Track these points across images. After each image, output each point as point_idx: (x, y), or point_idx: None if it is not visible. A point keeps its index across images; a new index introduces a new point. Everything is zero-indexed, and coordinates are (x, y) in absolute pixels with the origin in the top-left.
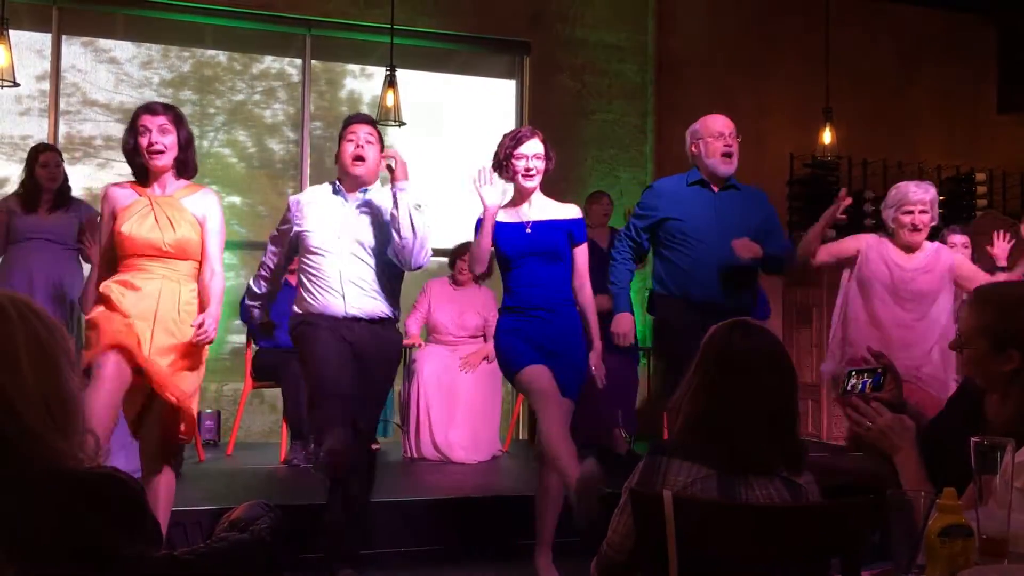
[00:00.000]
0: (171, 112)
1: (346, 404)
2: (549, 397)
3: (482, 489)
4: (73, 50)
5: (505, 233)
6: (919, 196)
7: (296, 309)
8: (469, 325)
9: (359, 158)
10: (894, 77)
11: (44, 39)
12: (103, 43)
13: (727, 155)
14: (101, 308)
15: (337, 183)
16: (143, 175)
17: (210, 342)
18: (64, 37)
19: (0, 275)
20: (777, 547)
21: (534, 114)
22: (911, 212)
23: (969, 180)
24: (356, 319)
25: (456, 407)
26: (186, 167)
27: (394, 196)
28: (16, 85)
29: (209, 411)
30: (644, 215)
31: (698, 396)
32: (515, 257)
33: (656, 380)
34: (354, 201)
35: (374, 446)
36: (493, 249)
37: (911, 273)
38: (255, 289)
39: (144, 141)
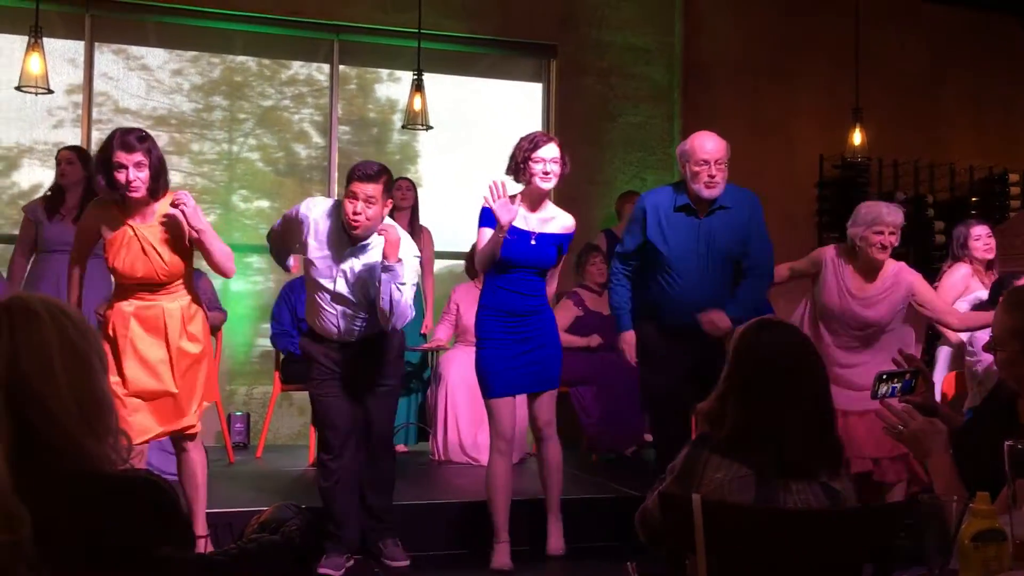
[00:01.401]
0: (144, 144)
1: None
2: (504, 438)
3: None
4: (105, 58)
5: (510, 239)
6: (892, 218)
7: (306, 318)
8: None
9: (355, 223)
10: (925, 77)
11: (77, 47)
12: (135, 50)
13: (711, 183)
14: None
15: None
16: (120, 197)
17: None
18: (96, 45)
19: (28, 283)
20: (809, 552)
21: (561, 117)
22: (882, 232)
23: (1002, 180)
24: (347, 343)
25: (484, 409)
26: (158, 190)
27: (381, 271)
28: (50, 92)
29: (239, 413)
30: (636, 230)
31: (741, 400)
32: (513, 264)
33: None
34: (357, 241)
35: (400, 448)
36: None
37: (865, 302)
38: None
39: (121, 178)
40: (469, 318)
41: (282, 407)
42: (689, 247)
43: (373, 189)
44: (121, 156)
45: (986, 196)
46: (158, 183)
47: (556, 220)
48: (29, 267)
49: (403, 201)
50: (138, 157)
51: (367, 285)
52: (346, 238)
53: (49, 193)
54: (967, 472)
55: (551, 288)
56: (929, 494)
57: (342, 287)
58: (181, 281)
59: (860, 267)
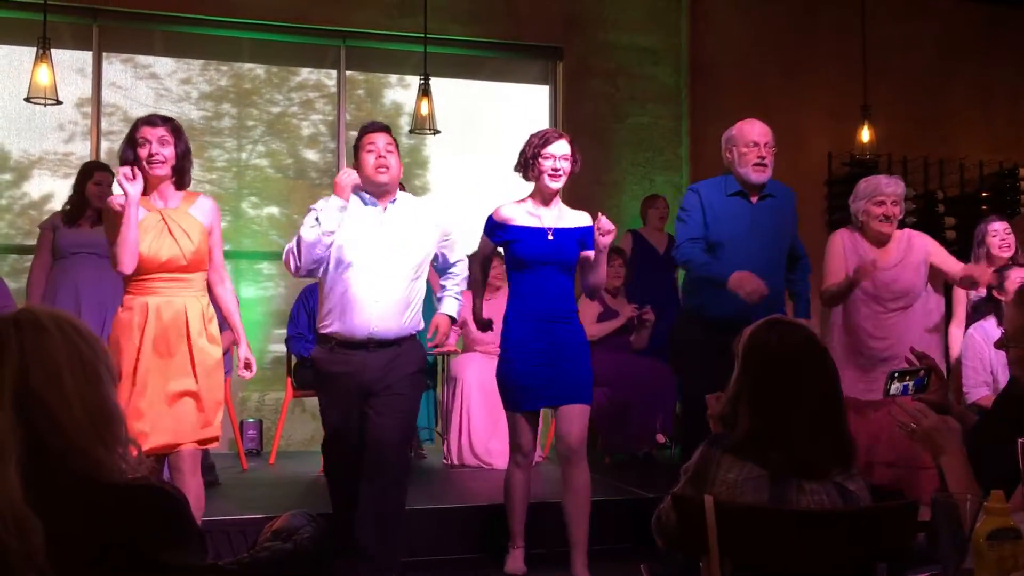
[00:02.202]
0: (170, 124)
1: (350, 480)
2: (521, 453)
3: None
4: (113, 67)
5: (525, 237)
6: (892, 188)
7: (318, 327)
8: None
9: (383, 166)
10: (933, 72)
11: (85, 57)
12: (143, 59)
13: (760, 165)
14: (130, 378)
15: (365, 195)
16: (143, 185)
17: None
18: (104, 55)
19: (47, 291)
20: (822, 552)
21: (568, 119)
22: (883, 203)
23: (1013, 175)
24: (377, 342)
25: (498, 414)
26: (183, 178)
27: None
28: (59, 103)
29: (251, 420)
30: (696, 214)
31: (753, 401)
32: (532, 262)
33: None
34: (388, 212)
35: (421, 452)
36: (505, 254)
37: (891, 272)
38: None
39: (144, 152)
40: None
41: (294, 413)
42: (744, 231)
43: (387, 139)
44: (145, 131)
45: (997, 191)
46: (183, 167)
47: (572, 216)
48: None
49: None
50: (161, 132)
51: (407, 244)
52: (371, 208)
53: (68, 207)
54: (981, 470)
55: (598, 278)
56: (943, 492)
57: (382, 254)
58: (203, 275)
59: (868, 239)
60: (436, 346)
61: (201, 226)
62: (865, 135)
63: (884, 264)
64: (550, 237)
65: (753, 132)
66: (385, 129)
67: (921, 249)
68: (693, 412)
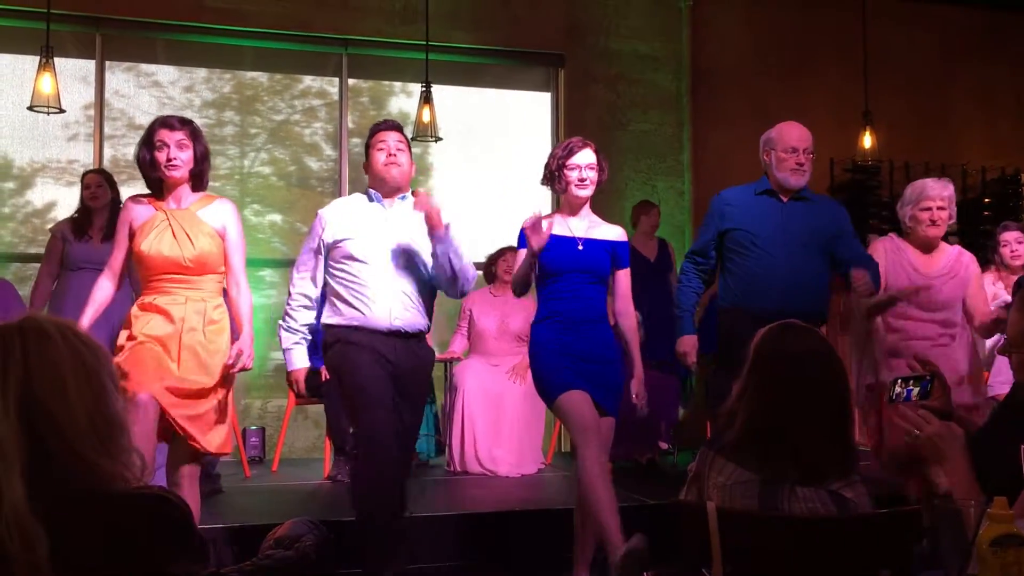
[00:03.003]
0: (188, 127)
1: (391, 418)
2: (589, 431)
3: (526, 503)
4: (116, 76)
5: (554, 246)
6: (938, 191)
7: (329, 322)
8: (512, 328)
9: (394, 164)
10: (935, 78)
11: (88, 65)
12: (146, 68)
13: (798, 171)
14: (128, 341)
15: (371, 192)
16: (158, 189)
17: (248, 369)
18: (108, 63)
19: (53, 301)
20: (824, 559)
21: (570, 126)
22: (929, 208)
23: (1015, 181)
24: (397, 332)
25: (501, 421)
26: (201, 180)
27: (434, 246)
28: (62, 112)
29: (254, 428)
30: (711, 224)
31: (753, 400)
32: (561, 271)
33: (700, 391)
34: (394, 208)
35: (414, 458)
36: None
37: (937, 281)
38: (297, 326)
39: (162, 156)
40: (483, 324)
41: (297, 420)
42: (774, 228)
43: (399, 137)
44: (163, 134)
45: (999, 197)
46: (202, 170)
47: (605, 228)
48: (55, 284)
49: None
50: (180, 136)
51: (416, 241)
52: (376, 205)
53: (76, 215)
54: (985, 476)
55: (624, 316)
56: (946, 498)
57: (390, 249)
58: (211, 279)
59: (918, 247)
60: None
61: (210, 229)
62: (867, 141)
63: (929, 273)
64: (580, 247)
65: (792, 137)
66: (396, 127)
67: (967, 269)
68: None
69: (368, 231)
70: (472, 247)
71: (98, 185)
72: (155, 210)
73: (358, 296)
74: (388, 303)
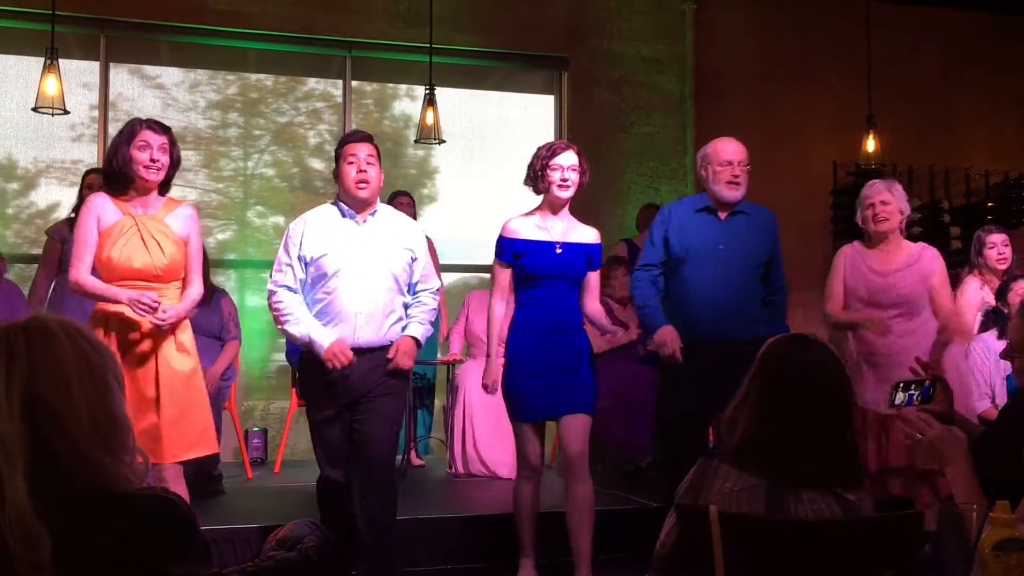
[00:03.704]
0: (169, 133)
1: (341, 492)
2: (527, 467)
3: None
4: (121, 77)
5: (534, 250)
6: (878, 188)
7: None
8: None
9: (363, 181)
10: (938, 82)
11: (92, 67)
12: (150, 69)
13: (733, 183)
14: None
15: (342, 205)
16: (122, 188)
17: (161, 323)
18: (112, 64)
19: (54, 300)
20: (825, 563)
21: (573, 128)
22: (872, 205)
23: (1018, 185)
24: (363, 349)
25: (503, 423)
26: (168, 186)
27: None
28: (66, 113)
29: (256, 429)
30: (657, 233)
31: (756, 409)
32: (539, 276)
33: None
34: (365, 224)
35: (418, 462)
36: (512, 270)
37: (891, 278)
38: (297, 313)
39: (144, 156)
40: (478, 325)
41: (299, 422)
42: (710, 245)
43: (369, 149)
44: (148, 135)
45: (1002, 201)
46: (171, 176)
47: (581, 230)
48: (52, 287)
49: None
50: (163, 140)
51: (388, 255)
52: (349, 221)
53: (74, 215)
54: (987, 480)
55: (592, 307)
56: (949, 502)
57: (363, 265)
58: (177, 284)
59: (875, 247)
60: (398, 368)
61: (175, 236)
62: (870, 145)
63: (885, 269)
64: (558, 251)
65: (727, 151)
66: (367, 139)
67: (929, 265)
68: (669, 421)
69: (341, 248)
70: (473, 250)
71: (100, 185)
72: (121, 213)
73: (329, 313)
74: (356, 323)
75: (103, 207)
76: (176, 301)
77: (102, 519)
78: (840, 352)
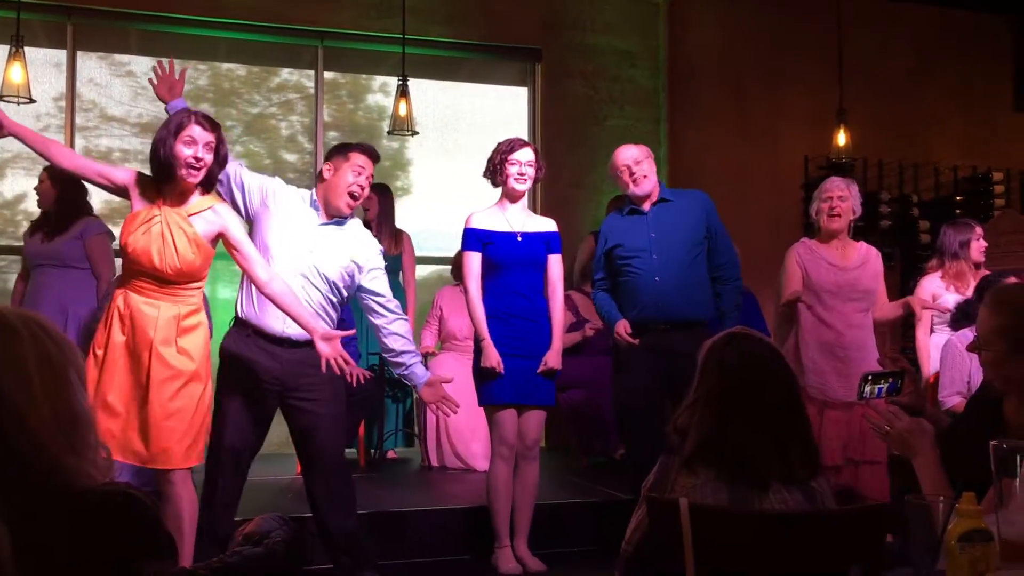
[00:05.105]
0: (218, 131)
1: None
2: (507, 446)
3: None
4: (89, 65)
5: (497, 241)
6: (836, 183)
7: (238, 312)
8: None
9: (356, 197)
10: (909, 77)
11: (60, 55)
12: (120, 57)
13: (635, 182)
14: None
15: (314, 199)
16: (166, 177)
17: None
18: (79, 53)
19: (27, 304)
20: (794, 555)
21: (546, 121)
22: (830, 199)
23: (986, 180)
24: (291, 341)
25: (477, 415)
26: (210, 183)
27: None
28: (32, 102)
29: None
30: (599, 248)
31: (704, 416)
32: (505, 265)
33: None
34: (326, 224)
35: (390, 455)
36: (480, 256)
37: (852, 273)
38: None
39: (188, 152)
40: (454, 322)
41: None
42: (642, 237)
43: (372, 168)
44: (196, 131)
45: (970, 195)
46: (214, 174)
47: (538, 220)
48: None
49: (368, 212)
50: (210, 138)
51: (334, 261)
52: (314, 217)
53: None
54: (954, 472)
55: (556, 298)
56: (915, 494)
57: (305, 260)
58: (187, 293)
59: (827, 243)
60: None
61: (197, 237)
62: (841, 139)
63: (846, 264)
64: (519, 239)
65: (620, 157)
66: (376, 157)
67: (876, 263)
68: (626, 413)
69: (292, 235)
70: (446, 241)
71: (40, 182)
72: (153, 200)
73: (261, 297)
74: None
75: (140, 187)
76: (191, 304)
77: (64, 516)
78: (792, 345)
